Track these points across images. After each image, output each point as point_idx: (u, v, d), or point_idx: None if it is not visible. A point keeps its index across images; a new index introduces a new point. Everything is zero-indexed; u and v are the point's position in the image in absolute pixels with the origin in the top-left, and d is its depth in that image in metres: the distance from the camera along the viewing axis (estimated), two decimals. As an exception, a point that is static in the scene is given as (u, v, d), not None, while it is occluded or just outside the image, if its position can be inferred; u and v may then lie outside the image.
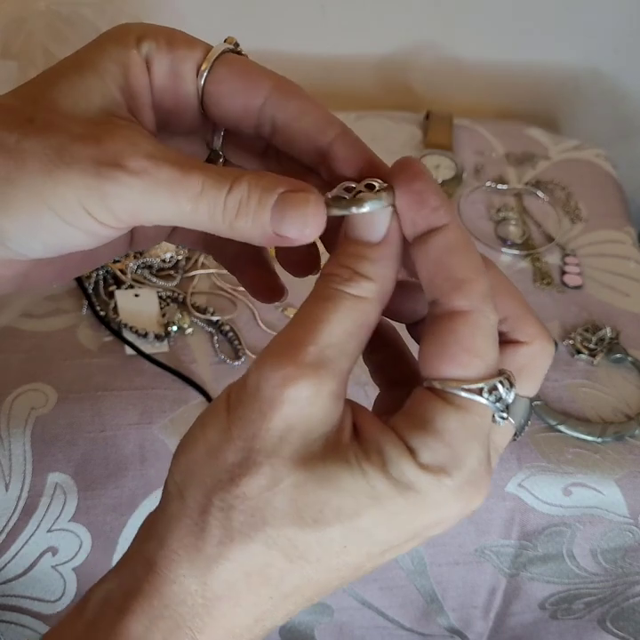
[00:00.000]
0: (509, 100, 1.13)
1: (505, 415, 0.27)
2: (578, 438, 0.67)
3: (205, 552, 0.25)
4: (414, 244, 0.27)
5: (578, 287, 0.82)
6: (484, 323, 0.26)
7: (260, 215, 0.27)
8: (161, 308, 0.73)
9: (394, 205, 0.27)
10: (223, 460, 0.26)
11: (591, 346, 0.75)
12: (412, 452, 0.25)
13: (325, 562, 0.26)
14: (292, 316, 0.77)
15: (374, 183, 0.28)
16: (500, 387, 0.26)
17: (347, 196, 0.28)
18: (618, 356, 0.74)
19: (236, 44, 0.31)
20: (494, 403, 0.26)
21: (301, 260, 0.32)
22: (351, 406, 0.27)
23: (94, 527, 0.61)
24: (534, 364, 0.29)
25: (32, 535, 0.60)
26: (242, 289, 0.74)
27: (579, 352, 0.74)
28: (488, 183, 0.92)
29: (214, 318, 0.73)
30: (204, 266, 0.77)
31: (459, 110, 1.02)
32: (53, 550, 0.61)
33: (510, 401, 0.26)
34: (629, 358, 0.74)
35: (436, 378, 0.26)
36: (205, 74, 0.30)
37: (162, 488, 0.28)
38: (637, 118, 1.15)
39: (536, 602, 0.69)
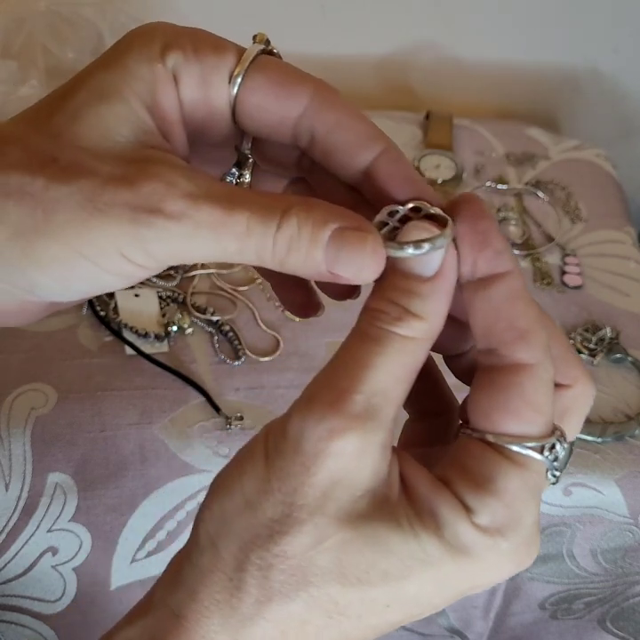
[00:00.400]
0: (509, 100, 1.13)
1: (559, 474, 0.26)
2: (578, 438, 0.67)
3: (240, 610, 0.24)
4: (472, 288, 0.25)
5: (578, 287, 0.81)
6: (545, 377, 0.25)
7: (313, 253, 0.25)
8: (161, 308, 0.73)
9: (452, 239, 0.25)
10: (262, 514, 0.24)
11: (591, 346, 0.75)
12: (468, 511, 0.24)
13: (365, 619, 0.25)
14: (292, 317, 0.77)
15: (422, 207, 0.26)
16: (558, 445, 0.25)
17: (390, 222, 0.26)
18: (618, 355, 0.74)
19: (268, 42, 0.29)
20: (552, 461, 0.25)
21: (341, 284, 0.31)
22: (397, 455, 0.26)
23: (94, 527, 0.61)
24: (577, 407, 0.27)
25: (32, 535, 0.60)
26: (242, 289, 0.74)
27: (579, 352, 0.74)
28: (488, 183, 0.92)
29: (214, 318, 0.73)
30: (204, 266, 0.77)
31: (459, 110, 1.02)
32: (53, 550, 0.61)
33: (562, 457, 0.25)
34: (629, 358, 0.74)
35: (492, 432, 0.25)
36: (239, 80, 0.27)
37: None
38: (637, 118, 1.15)
39: (536, 602, 0.69)
